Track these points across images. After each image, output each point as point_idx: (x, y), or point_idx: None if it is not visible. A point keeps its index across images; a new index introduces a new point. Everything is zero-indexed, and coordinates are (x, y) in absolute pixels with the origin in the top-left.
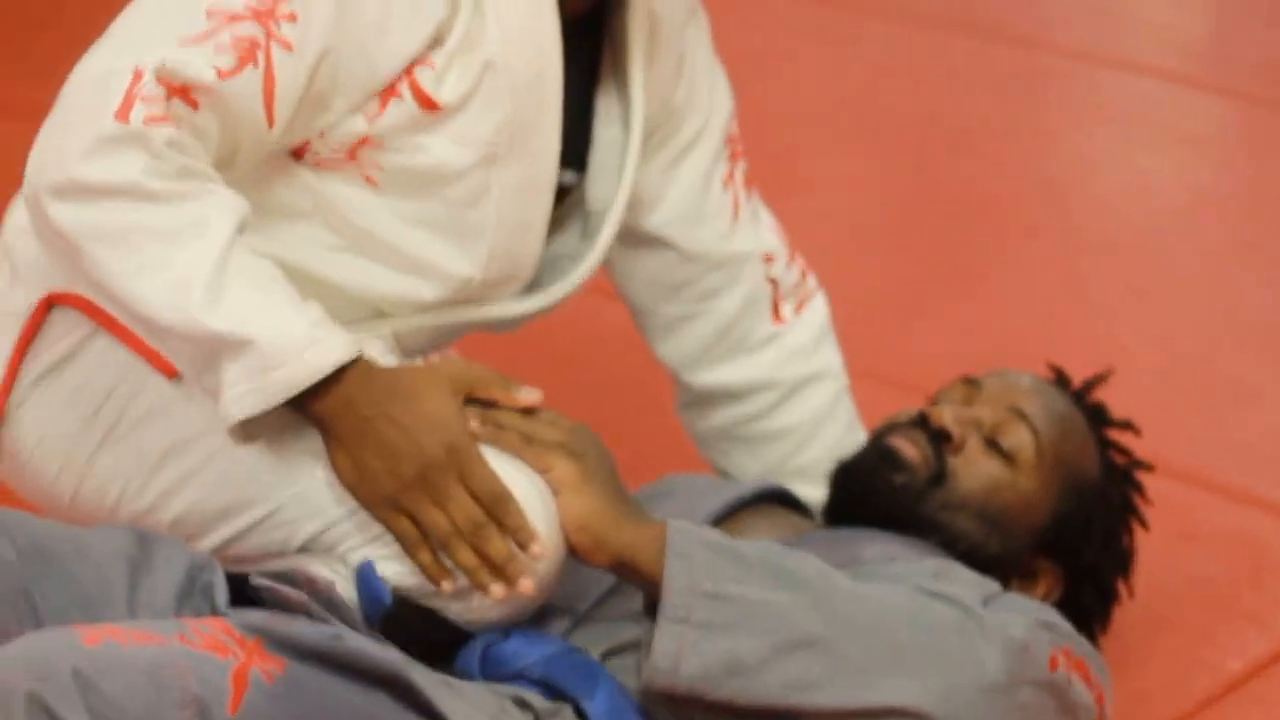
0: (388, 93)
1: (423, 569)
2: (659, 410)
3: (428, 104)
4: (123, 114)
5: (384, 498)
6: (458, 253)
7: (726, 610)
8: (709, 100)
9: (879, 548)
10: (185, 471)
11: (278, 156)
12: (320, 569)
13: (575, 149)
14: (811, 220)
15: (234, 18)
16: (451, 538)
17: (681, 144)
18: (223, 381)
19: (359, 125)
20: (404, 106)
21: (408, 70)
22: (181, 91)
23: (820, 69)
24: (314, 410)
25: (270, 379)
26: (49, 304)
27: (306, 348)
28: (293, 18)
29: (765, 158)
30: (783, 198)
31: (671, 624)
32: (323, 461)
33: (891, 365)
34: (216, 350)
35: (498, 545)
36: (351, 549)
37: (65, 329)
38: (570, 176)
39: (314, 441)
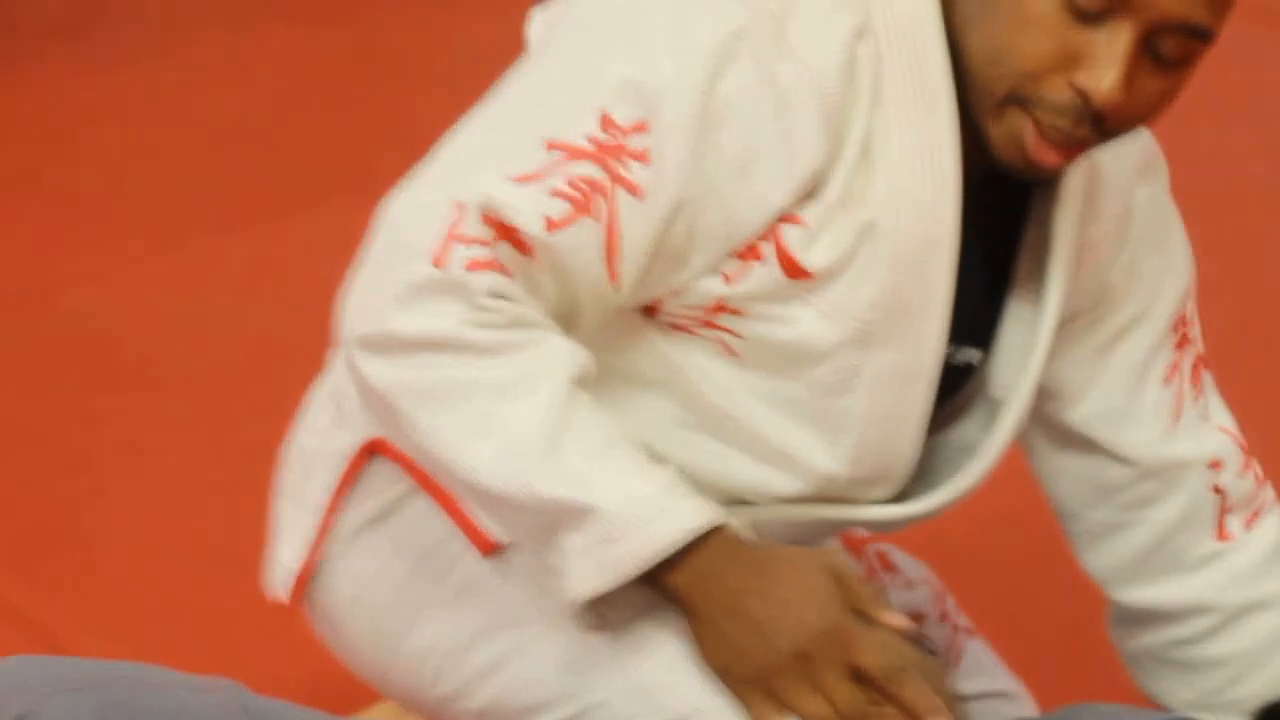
0: (749, 252)
1: None
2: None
3: (794, 270)
4: (441, 258)
5: (753, 679)
6: (821, 445)
7: None
8: (1158, 275)
9: None
10: (496, 656)
11: (627, 315)
12: None
13: (980, 324)
14: None
15: (574, 154)
16: None
17: (1115, 328)
18: (565, 556)
19: (716, 287)
20: (767, 270)
21: (773, 227)
22: (509, 234)
23: None
24: (670, 585)
25: (617, 551)
26: (371, 450)
27: (657, 515)
28: (644, 156)
29: None
30: None
31: None
32: (641, 658)
33: None
34: (555, 521)
35: None
36: None
37: (388, 481)
38: (974, 355)
39: (626, 639)
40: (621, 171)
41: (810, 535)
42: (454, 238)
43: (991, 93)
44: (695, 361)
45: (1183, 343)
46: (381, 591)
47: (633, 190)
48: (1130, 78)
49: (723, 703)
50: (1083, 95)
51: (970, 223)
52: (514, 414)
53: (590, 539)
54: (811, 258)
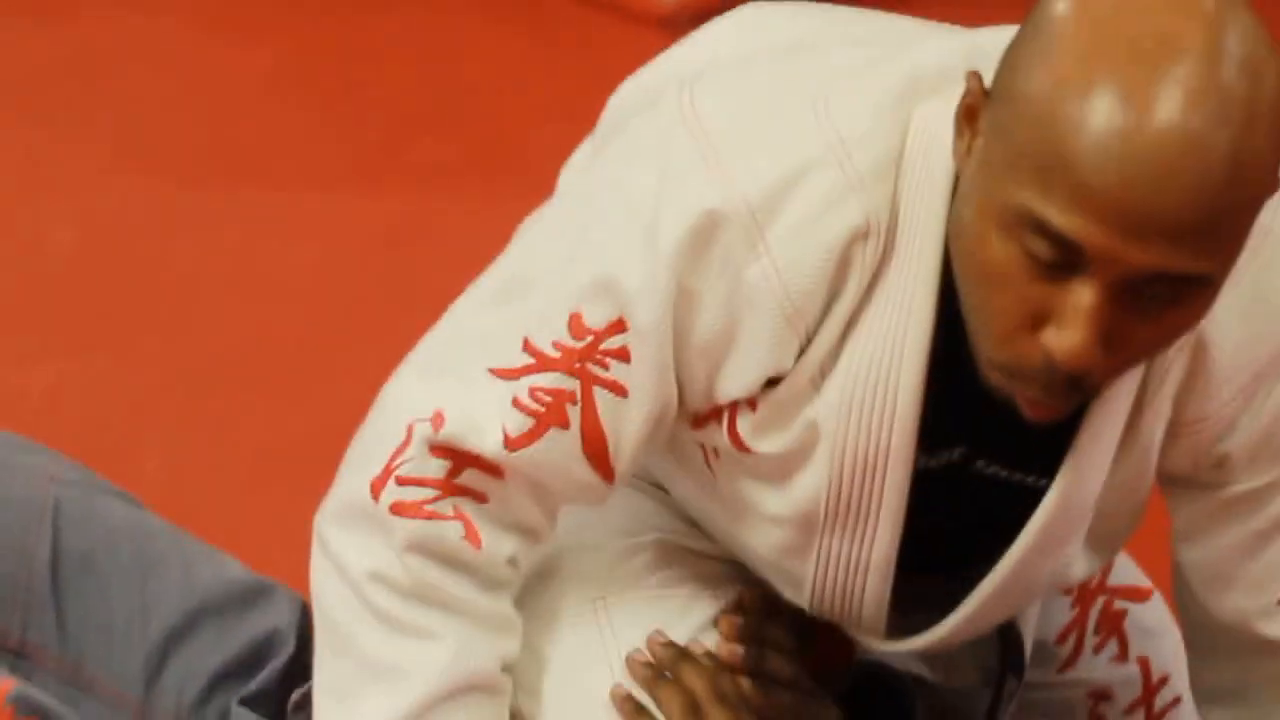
0: (706, 417)
1: None
2: None
3: (741, 447)
4: (377, 486)
5: None
6: (782, 583)
7: None
8: None
9: None
10: None
11: None
12: None
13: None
14: None
15: (543, 363)
16: None
17: (1228, 498)
18: None
19: (683, 430)
20: (719, 434)
21: (730, 406)
22: (472, 460)
23: None
24: None
25: None
26: None
27: None
28: (624, 355)
29: None
30: None
31: None
32: None
33: None
34: None
35: None
36: None
37: None
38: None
39: None
40: (599, 373)
41: None
42: (391, 469)
43: (978, 350)
44: (685, 460)
45: None
46: None
47: (616, 390)
48: (1107, 333)
49: None
50: (1050, 357)
51: None
52: (368, 696)
53: None
54: (758, 444)
